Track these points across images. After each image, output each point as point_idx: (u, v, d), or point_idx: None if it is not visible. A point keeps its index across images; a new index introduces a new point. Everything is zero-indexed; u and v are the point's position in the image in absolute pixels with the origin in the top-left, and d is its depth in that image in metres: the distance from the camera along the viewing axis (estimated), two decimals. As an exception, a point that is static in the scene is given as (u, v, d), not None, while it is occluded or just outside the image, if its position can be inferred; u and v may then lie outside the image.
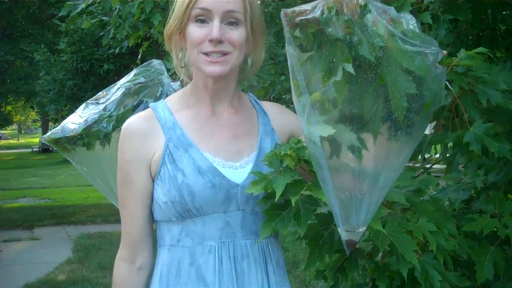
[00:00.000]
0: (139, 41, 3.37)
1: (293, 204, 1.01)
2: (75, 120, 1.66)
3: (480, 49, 1.22)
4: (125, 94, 1.65)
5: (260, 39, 1.18)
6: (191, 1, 1.09)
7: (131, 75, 1.71)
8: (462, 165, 2.09)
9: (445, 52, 1.08)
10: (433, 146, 1.47)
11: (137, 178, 1.15)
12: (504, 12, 1.90)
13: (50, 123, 23.41)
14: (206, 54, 1.10)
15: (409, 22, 0.95)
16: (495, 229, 1.38)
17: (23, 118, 48.87)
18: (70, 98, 10.60)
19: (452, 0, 1.66)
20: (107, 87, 1.75)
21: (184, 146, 1.14)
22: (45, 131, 25.42)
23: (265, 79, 1.95)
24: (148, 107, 1.22)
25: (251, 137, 1.21)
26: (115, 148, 1.23)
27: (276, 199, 1.01)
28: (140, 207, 1.17)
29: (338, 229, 0.97)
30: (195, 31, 1.10)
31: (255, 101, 1.30)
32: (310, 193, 1.03)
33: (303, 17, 0.90)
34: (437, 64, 0.97)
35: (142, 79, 1.68)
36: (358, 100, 0.90)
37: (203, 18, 1.10)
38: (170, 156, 1.13)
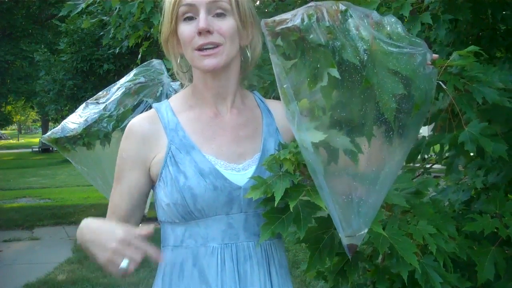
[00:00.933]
0: (139, 41, 3.37)
1: (291, 210, 1.01)
2: (75, 120, 1.66)
3: (472, 48, 1.22)
4: (125, 94, 1.65)
5: (254, 29, 1.17)
6: (176, 0, 1.10)
7: (131, 75, 1.71)
8: (463, 166, 2.09)
9: (435, 55, 1.08)
10: (433, 146, 1.47)
11: (129, 176, 1.16)
12: (504, 12, 1.90)
13: (50, 123, 23.40)
14: (199, 49, 1.10)
15: (393, 24, 0.95)
16: (496, 230, 1.37)
17: (23, 118, 48.88)
18: (70, 98, 10.59)
19: (452, 0, 1.66)
20: (107, 87, 1.75)
21: (186, 148, 1.14)
22: (45, 131, 25.41)
23: (265, 79, 1.95)
24: (151, 107, 1.22)
25: (254, 139, 1.20)
26: (115, 148, 1.23)
27: (276, 204, 1.01)
28: (126, 200, 1.18)
29: (339, 234, 0.96)
30: (184, 28, 1.11)
31: (260, 100, 1.28)
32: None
33: (284, 26, 0.90)
34: (427, 64, 0.97)
35: (142, 79, 1.68)
36: (347, 104, 0.91)
37: (191, 15, 1.10)
38: (172, 159, 1.13)
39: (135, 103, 1.64)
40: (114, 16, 3.15)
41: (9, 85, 16.50)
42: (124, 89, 1.64)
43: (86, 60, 10.13)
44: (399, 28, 0.95)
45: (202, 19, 1.08)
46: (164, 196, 1.13)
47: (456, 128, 1.32)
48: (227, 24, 1.10)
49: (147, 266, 4.06)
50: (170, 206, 1.12)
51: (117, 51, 4.25)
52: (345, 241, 0.96)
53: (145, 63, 1.76)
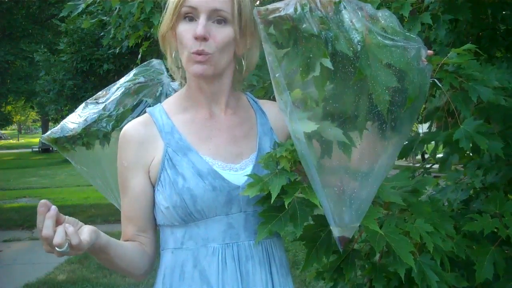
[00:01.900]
0: (139, 41, 3.38)
1: (287, 206, 1.01)
2: (75, 120, 1.66)
3: (469, 46, 1.22)
4: (125, 94, 1.64)
5: (253, 39, 1.17)
6: (180, 0, 1.10)
7: (130, 74, 1.71)
8: (461, 165, 2.10)
9: (430, 51, 1.08)
10: (427, 145, 1.47)
11: (134, 183, 1.16)
12: (504, 12, 1.90)
13: (50, 123, 23.40)
14: (193, 53, 1.10)
15: (388, 18, 0.95)
16: (495, 229, 1.37)
17: (23, 118, 48.85)
18: (70, 98, 10.60)
19: (452, 0, 1.66)
20: (106, 87, 1.75)
21: (183, 150, 1.14)
22: (45, 131, 25.40)
23: (265, 79, 1.95)
24: (145, 112, 1.22)
25: (250, 138, 1.21)
26: (115, 147, 1.23)
27: (272, 201, 1.01)
28: (137, 209, 1.17)
29: (330, 227, 0.96)
30: (183, 29, 1.11)
31: (253, 100, 1.29)
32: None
33: (277, 14, 0.90)
34: (422, 60, 0.97)
35: (141, 79, 1.68)
36: (340, 96, 0.91)
37: (191, 16, 1.10)
38: (169, 161, 1.13)
39: (134, 103, 1.63)
40: (114, 16, 3.15)
41: (9, 85, 16.51)
42: (123, 89, 1.64)
43: (86, 60, 10.13)
44: (393, 22, 0.95)
45: (201, 25, 1.08)
46: (163, 199, 1.13)
47: (452, 126, 1.31)
48: (223, 33, 1.10)
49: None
50: (169, 209, 1.12)
51: (117, 51, 4.25)
52: (336, 233, 0.96)
53: (145, 63, 1.75)
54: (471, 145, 1.25)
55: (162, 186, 1.13)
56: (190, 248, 1.13)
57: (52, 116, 13.97)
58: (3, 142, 43.52)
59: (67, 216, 0.97)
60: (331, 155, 0.94)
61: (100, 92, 1.72)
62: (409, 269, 1.14)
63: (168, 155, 1.13)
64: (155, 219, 1.20)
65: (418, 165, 2.19)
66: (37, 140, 34.85)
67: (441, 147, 1.46)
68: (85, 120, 1.63)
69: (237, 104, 1.25)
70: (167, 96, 1.66)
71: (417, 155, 1.58)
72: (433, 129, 1.68)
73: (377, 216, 1.07)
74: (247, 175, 1.11)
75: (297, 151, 0.96)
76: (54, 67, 11.04)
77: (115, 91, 1.67)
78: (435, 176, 2.12)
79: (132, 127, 1.18)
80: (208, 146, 1.16)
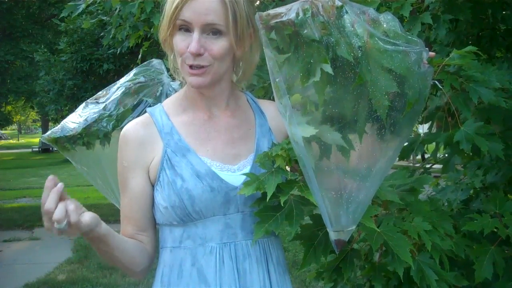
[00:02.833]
0: (140, 41, 3.38)
1: (282, 204, 1.01)
2: (75, 120, 1.66)
3: (470, 48, 1.22)
4: (125, 94, 1.65)
5: (252, 41, 1.16)
6: (174, 12, 1.09)
7: (131, 74, 1.71)
8: (461, 165, 2.10)
9: (432, 53, 1.08)
10: (428, 146, 1.47)
11: (134, 183, 1.17)
12: (504, 12, 1.90)
13: (50, 123, 23.41)
14: (189, 66, 1.10)
15: (390, 22, 0.95)
16: (495, 229, 1.38)
17: (23, 118, 48.91)
18: (70, 98, 10.59)
19: (452, 0, 1.67)
20: (107, 86, 1.75)
21: (182, 151, 1.15)
22: (45, 131, 25.42)
23: (265, 79, 1.95)
24: (146, 112, 1.23)
25: (248, 139, 1.22)
26: (115, 147, 1.23)
27: (268, 199, 1.01)
28: (136, 210, 1.18)
29: (327, 229, 0.97)
30: (179, 40, 1.11)
31: (252, 100, 1.29)
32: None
33: (278, 20, 0.90)
34: (423, 63, 0.97)
35: (142, 79, 1.68)
36: (339, 101, 0.91)
37: (186, 27, 1.10)
38: (168, 162, 1.14)
39: (135, 103, 1.64)
40: (115, 16, 3.15)
41: (9, 85, 16.50)
42: (124, 89, 1.64)
43: (86, 60, 10.13)
44: (396, 26, 0.95)
45: (195, 41, 1.08)
46: (161, 199, 1.14)
47: (453, 127, 1.32)
48: (219, 46, 1.09)
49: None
50: (168, 209, 1.13)
51: (117, 51, 4.25)
52: (333, 236, 0.96)
53: (145, 62, 1.76)
54: (471, 147, 1.26)
55: (161, 186, 1.14)
56: (188, 247, 1.15)
57: (52, 116, 13.96)
58: (3, 142, 43.53)
59: (71, 198, 0.99)
60: (330, 157, 0.94)
61: (100, 92, 1.72)
62: (408, 268, 1.15)
63: (167, 155, 1.15)
64: (155, 219, 1.21)
65: (418, 165, 2.18)
66: (37, 140, 34.87)
67: (442, 148, 1.47)
68: (86, 120, 1.63)
69: (237, 105, 1.25)
70: (167, 95, 1.66)
71: (417, 155, 1.58)
72: (434, 129, 1.68)
73: (374, 214, 1.07)
74: (243, 174, 1.12)
75: (294, 152, 0.96)
76: (54, 67, 11.03)
77: (115, 90, 1.67)
78: (434, 176, 2.12)
79: (132, 127, 1.19)
80: (206, 148, 1.17)
